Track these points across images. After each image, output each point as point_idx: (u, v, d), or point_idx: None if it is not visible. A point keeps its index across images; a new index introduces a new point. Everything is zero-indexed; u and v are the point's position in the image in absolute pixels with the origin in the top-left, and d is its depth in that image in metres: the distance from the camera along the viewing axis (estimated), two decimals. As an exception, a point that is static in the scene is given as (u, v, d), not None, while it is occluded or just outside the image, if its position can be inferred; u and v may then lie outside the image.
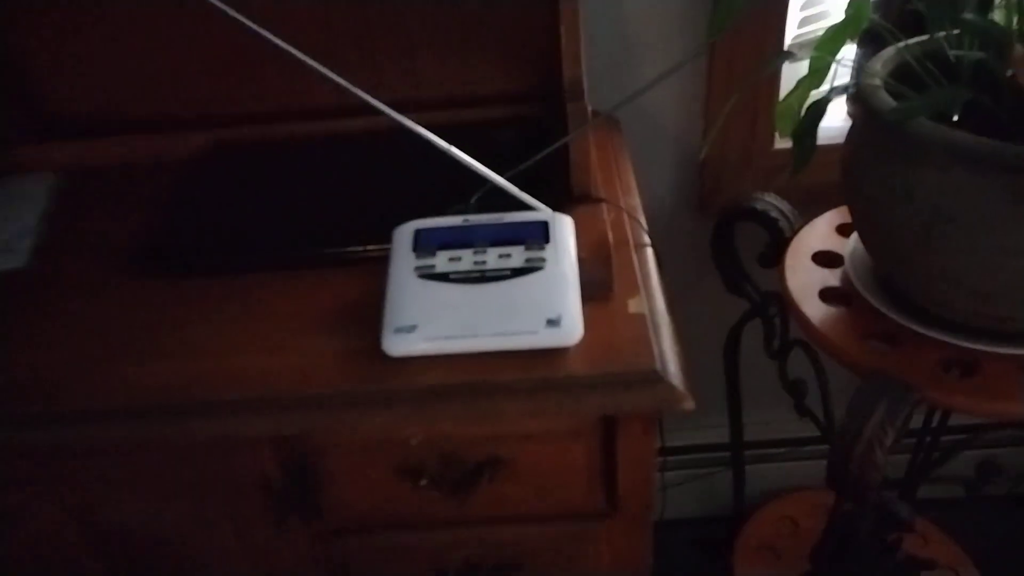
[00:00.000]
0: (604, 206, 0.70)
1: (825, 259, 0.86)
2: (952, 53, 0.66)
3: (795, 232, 0.91)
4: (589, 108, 0.67)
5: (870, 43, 0.85)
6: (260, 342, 0.64)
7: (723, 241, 0.98)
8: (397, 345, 0.59)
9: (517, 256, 0.62)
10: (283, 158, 0.86)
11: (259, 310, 0.67)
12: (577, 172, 0.69)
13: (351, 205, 0.77)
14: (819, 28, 1.03)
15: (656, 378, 0.58)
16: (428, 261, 0.63)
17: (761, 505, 1.26)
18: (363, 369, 0.60)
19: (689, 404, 0.57)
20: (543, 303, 0.59)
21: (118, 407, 0.60)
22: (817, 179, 1.06)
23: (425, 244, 0.64)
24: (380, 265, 0.66)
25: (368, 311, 0.64)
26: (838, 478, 0.72)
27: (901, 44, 0.73)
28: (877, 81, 0.71)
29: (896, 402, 0.70)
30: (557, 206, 0.68)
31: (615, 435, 0.62)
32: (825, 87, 0.73)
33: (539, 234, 0.64)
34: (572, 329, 0.59)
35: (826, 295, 0.81)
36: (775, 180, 1.02)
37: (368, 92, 0.66)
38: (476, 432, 0.64)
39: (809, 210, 0.94)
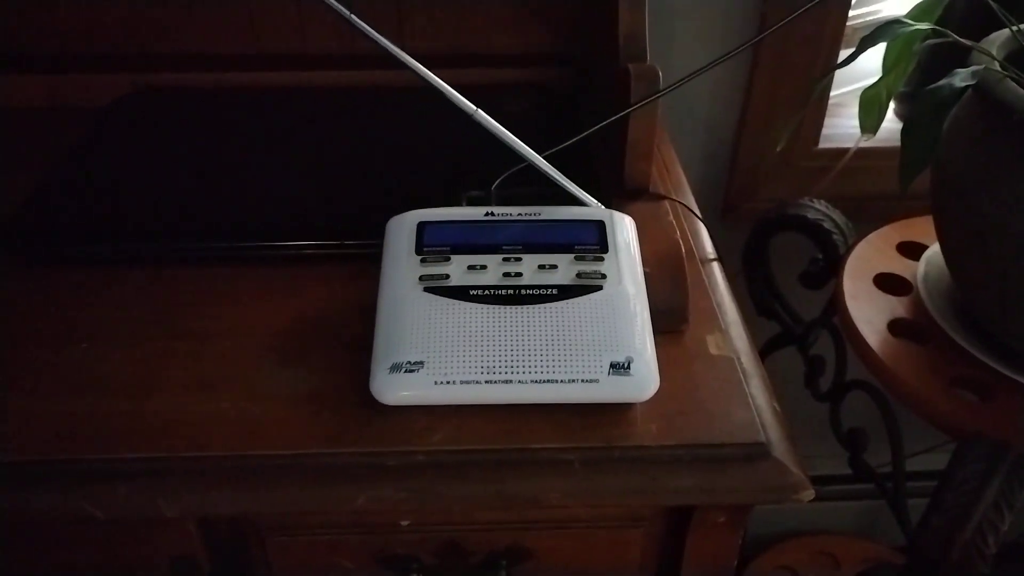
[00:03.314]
0: (667, 205, 0.52)
1: (888, 284, 0.72)
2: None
3: (850, 249, 0.76)
4: (660, 73, 0.49)
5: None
6: (181, 374, 0.44)
7: (758, 254, 0.82)
8: (393, 389, 0.41)
9: (565, 268, 0.44)
10: (229, 115, 0.65)
11: (182, 323, 0.47)
12: (635, 157, 0.51)
13: (322, 183, 0.57)
14: (877, 11, 0.89)
15: (761, 453, 0.41)
16: (438, 268, 0.44)
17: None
18: (339, 422, 0.42)
19: (808, 493, 0.40)
20: (605, 338, 0.42)
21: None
22: (856, 188, 0.92)
23: (433, 244, 0.45)
24: (365, 268, 0.47)
25: (347, 335, 0.46)
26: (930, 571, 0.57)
27: (1015, 27, 0.59)
28: (997, 67, 0.56)
29: (1016, 476, 0.55)
30: (606, 202, 0.50)
31: (687, 526, 0.45)
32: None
33: (593, 238, 0.46)
34: (646, 378, 0.41)
35: (895, 328, 0.67)
36: (815, 186, 0.86)
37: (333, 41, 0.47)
38: (495, 515, 0.45)
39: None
